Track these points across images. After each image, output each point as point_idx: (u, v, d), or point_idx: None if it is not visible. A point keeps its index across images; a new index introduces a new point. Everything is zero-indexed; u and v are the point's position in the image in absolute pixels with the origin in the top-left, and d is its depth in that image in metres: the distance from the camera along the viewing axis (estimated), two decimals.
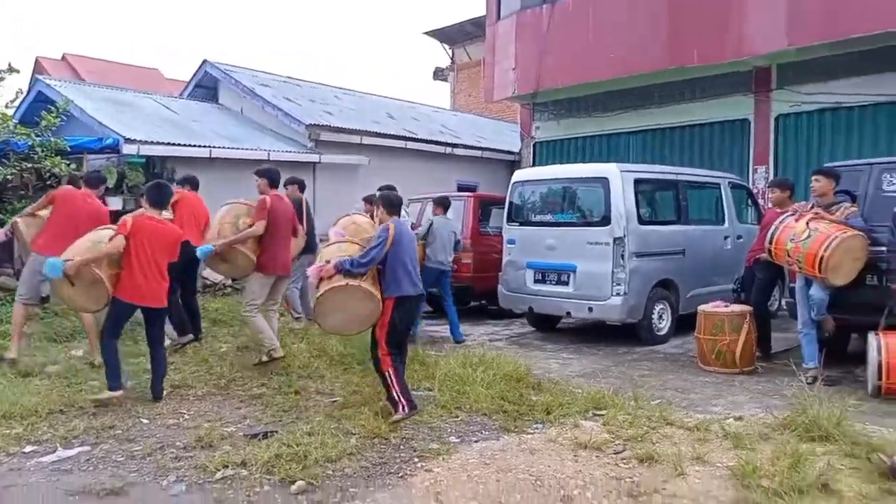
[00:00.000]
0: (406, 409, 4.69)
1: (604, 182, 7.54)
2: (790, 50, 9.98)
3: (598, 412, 4.91)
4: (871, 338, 5.37)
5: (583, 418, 4.80)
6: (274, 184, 6.35)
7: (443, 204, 8.20)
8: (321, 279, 4.81)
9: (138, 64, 29.20)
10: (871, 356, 5.33)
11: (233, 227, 6.11)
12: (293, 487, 3.68)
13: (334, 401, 5.30)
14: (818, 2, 9.46)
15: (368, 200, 8.93)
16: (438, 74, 25.41)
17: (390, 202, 5.11)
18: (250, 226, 6.03)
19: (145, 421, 4.84)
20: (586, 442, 4.25)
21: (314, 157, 12.06)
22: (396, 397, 4.72)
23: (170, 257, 5.33)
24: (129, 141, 9.63)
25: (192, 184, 7.15)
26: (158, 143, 10.12)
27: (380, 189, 7.40)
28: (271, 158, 10.91)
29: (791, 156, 10.82)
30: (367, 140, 12.95)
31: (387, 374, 4.77)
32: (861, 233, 5.72)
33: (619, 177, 7.47)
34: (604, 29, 11.85)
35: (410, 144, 13.71)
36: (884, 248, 5.65)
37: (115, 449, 4.29)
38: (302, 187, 8.07)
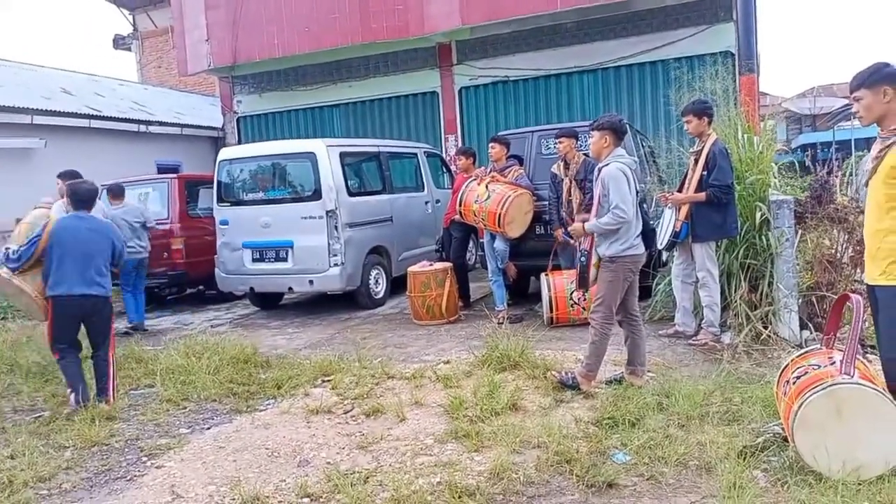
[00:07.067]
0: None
1: (311, 157, 7.74)
2: (464, 28, 11.14)
3: (327, 378, 5.20)
4: (543, 278, 6.48)
5: (312, 386, 5.06)
6: None
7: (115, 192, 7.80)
8: None
9: None
10: (543, 293, 6.44)
11: None
12: None
13: (39, 416, 4.80)
14: None
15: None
16: (119, 43, 22.94)
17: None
18: None
19: None
20: (317, 408, 4.52)
21: None
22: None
23: None
24: None
25: None
26: None
27: (60, 175, 6.67)
28: None
29: (474, 124, 12.18)
30: (39, 119, 11.31)
31: None
32: (528, 190, 6.81)
33: (325, 151, 7.73)
34: (296, 1, 11.90)
35: (96, 123, 12.30)
36: (545, 203, 6.80)
37: None
38: None
